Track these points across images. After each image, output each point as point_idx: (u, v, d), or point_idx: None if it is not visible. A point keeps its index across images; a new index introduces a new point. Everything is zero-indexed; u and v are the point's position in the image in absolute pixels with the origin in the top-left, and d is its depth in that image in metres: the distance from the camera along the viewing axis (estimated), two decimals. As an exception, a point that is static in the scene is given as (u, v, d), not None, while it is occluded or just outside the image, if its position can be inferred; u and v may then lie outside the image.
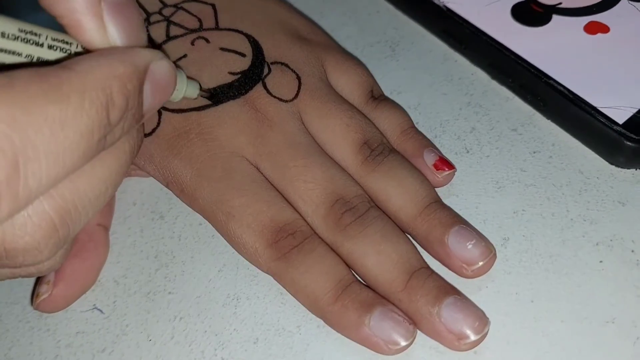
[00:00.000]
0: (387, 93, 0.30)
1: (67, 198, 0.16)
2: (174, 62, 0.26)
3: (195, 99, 0.23)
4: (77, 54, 0.18)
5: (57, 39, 0.17)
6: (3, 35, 0.16)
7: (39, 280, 0.24)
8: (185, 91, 0.21)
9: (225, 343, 0.23)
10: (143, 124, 0.19)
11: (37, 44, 0.17)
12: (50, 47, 0.17)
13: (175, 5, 0.28)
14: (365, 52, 0.32)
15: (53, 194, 0.16)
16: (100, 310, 0.25)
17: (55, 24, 0.18)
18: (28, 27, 0.16)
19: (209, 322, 0.24)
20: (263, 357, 0.23)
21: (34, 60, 0.17)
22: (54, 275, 0.24)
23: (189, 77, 0.21)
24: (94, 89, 0.15)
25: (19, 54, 0.16)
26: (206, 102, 0.26)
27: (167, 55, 0.19)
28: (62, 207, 0.16)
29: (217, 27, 0.28)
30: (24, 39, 0.16)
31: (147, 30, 0.27)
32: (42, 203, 0.16)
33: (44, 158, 0.15)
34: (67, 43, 0.17)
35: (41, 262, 0.17)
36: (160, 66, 0.18)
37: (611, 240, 0.24)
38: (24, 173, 0.14)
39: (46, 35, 0.17)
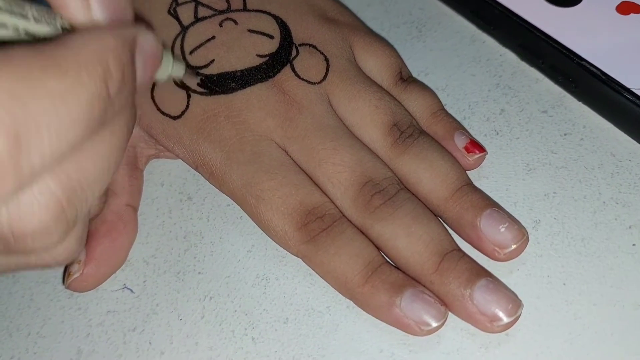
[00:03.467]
0: (414, 75, 0.29)
1: (72, 177, 0.16)
2: (202, 44, 0.26)
3: (182, 77, 0.23)
4: (64, 29, 0.17)
5: (41, 12, 0.17)
6: None
7: (70, 260, 0.25)
8: (172, 69, 0.21)
9: (255, 323, 0.23)
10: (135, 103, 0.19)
11: (22, 15, 0.16)
12: (35, 19, 0.17)
13: None
14: (391, 33, 0.32)
15: (58, 173, 0.16)
16: (131, 290, 0.25)
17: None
18: None
19: (239, 301, 0.24)
20: (293, 337, 0.23)
21: (20, 31, 0.16)
22: (84, 255, 0.24)
23: (175, 58, 0.21)
24: (91, 62, 0.15)
25: (5, 26, 0.16)
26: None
27: (152, 30, 0.18)
28: (68, 186, 0.16)
29: (245, 8, 0.27)
30: (8, 10, 0.16)
31: (176, 12, 0.27)
32: (47, 182, 0.16)
33: (45, 131, 0.14)
34: (51, 16, 0.17)
35: (53, 247, 0.17)
36: (146, 38, 0.18)
37: (644, 223, 0.24)
38: (26, 146, 0.14)
39: (30, 6, 0.17)
